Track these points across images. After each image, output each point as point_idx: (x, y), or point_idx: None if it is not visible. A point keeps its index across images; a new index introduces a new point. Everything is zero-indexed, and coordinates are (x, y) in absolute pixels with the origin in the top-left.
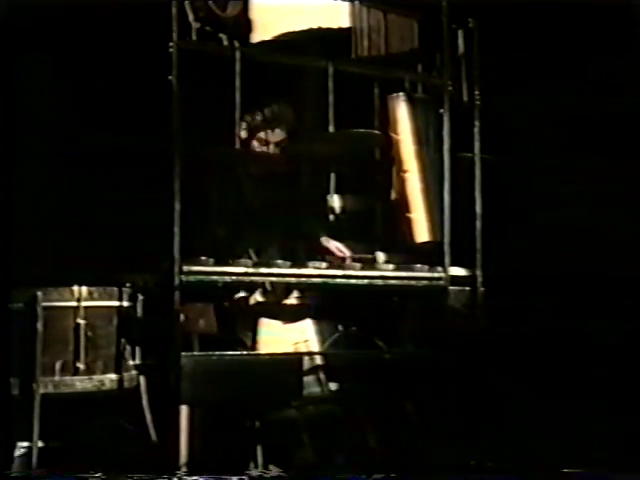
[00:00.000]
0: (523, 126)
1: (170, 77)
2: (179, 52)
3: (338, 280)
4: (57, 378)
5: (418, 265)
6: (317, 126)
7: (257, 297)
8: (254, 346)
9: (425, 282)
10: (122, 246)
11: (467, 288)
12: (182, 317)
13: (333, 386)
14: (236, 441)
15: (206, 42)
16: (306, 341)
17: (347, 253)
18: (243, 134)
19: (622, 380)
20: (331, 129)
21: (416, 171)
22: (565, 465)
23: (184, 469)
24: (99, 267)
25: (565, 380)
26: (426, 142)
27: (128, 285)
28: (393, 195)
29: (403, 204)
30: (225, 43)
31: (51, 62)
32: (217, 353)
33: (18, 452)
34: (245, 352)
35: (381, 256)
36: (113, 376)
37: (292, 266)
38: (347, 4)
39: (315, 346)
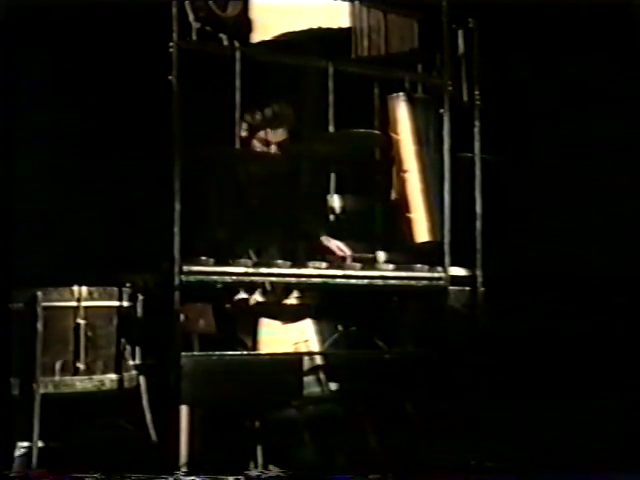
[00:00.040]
0: (523, 126)
1: (170, 77)
2: (179, 52)
3: (338, 280)
4: (57, 378)
5: (418, 265)
6: (317, 126)
7: (257, 297)
8: (254, 346)
9: (425, 282)
10: (122, 246)
11: (467, 288)
12: (182, 317)
13: (333, 386)
14: (236, 441)
15: (206, 42)
16: (306, 341)
17: (348, 252)
18: (244, 134)
19: (622, 380)
20: (331, 129)
21: (416, 171)
22: (565, 465)
23: (184, 469)
24: (99, 267)
25: (565, 380)
26: (426, 142)
27: (128, 285)
28: (393, 195)
29: (403, 204)
30: (225, 43)
31: (51, 62)
32: (217, 353)
33: (18, 452)
34: (245, 352)
35: (382, 255)
36: (113, 376)
37: (292, 266)
38: (347, 4)
39: (315, 346)
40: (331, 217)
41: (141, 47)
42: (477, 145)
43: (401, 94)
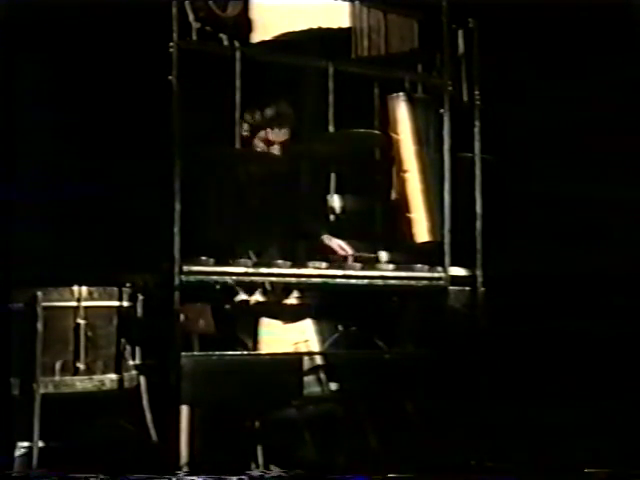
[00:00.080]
0: (523, 126)
1: (170, 77)
2: (179, 52)
3: (338, 280)
4: (57, 378)
5: (418, 265)
6: (317, 126)
7: (257, 297)
8: (254, 346)
9: (425, 282)
10: (122, 246)
11: (467, 288)
12: (182, 317)
13: (333, 386)
14: (236, 441)
15: (206, 42)
16: (306, 341)
17: (350, 251)
18: (245, 134)
19: (622, 380)
20: (331, 129)
21: (416, 171)
22: (565, 465)
23: (184, 469)
24: (99, 267)
25: (565, 380)
26: (426, 142)
27: (128, 285)
28: (393, 195)
29: (403, 204)
30: (225, 43)
31: (51, 62)
32: (217, 353)
33: (18, 452)
34: (245, 352)
35: (384, 255)
36: (113, 376)
37: (292, 266)
38: (347, 4)
39: (315, 346)
40: (331, 217)
41: (141, 47)
42: (477, 145)
43: (401, 94)
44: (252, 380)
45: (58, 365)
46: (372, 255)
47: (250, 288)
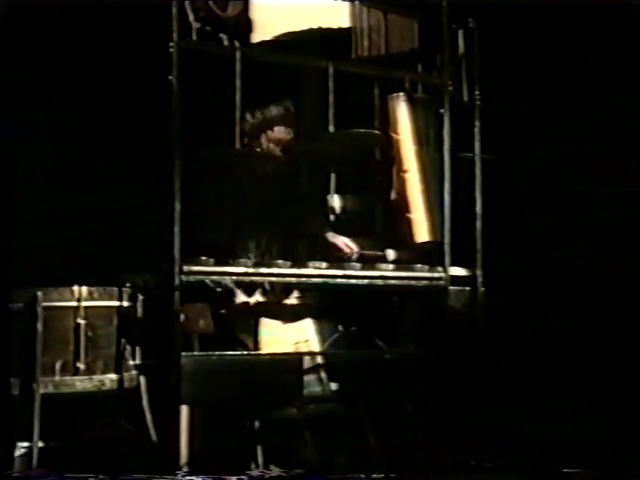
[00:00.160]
0: (523, 126)
1: (170, 77)
2: (179, 52)
3: (338, 280)
4: (57, 378)
5: (418, 265)
6: (317, 126)
7: (257, 297)
8: (254, 346)
9: (425, 282)
10: (122, 246)
11: (467, 288)
12: (182, 317)
13: (333, 386)
14: (236, 441)
15: (206, 42)
16: (306, 341)
17: (355, 248)
18: (246, 133)
19: (622, 380)
20: (331, 129)
21: (416, 171)
22: (565, 465)
23: (184, 469)
24: (99, 267)
25: (565, 380)
26: (426, 142)
27: (128, 285)
28: (393, 195)
29: (403, 204)
30: (225, 43)
31: (51, 62)
32: (217, 353)
33: (18, 452)
34: (245, 352)
35: (391, 253)
36: (113, 376)
37: (292, 266)
38: (347, 4)
39: (315, 346)
40: (331, 217)
41: (141, 47)
42: (477, 145)
43: (401, 94)
44: (252, 380)
45: (58, 365)
46: (379, 253)
47: (250, 288)
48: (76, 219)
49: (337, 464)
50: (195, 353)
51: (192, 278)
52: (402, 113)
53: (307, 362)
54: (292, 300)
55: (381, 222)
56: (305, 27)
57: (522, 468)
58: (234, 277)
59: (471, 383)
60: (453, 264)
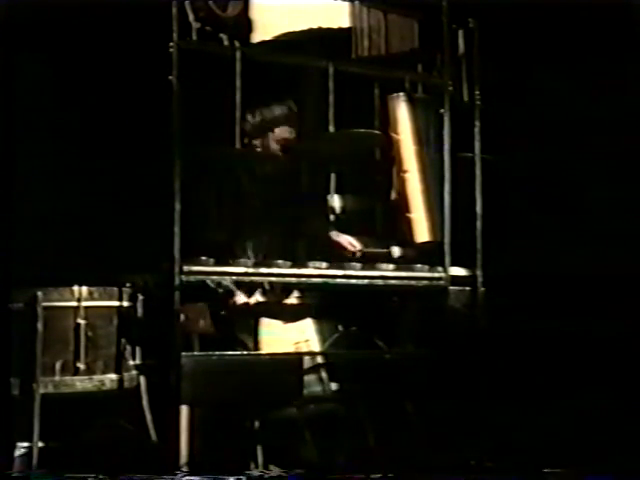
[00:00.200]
0: (523, 126)
1: (170, 77)
2: (179, 52)
3: (338, 280)
4: (57, 378)
5: (418, 265)
6: (317, 126)
7: (257, 297)
8: (255, 346)
9: (425, 282)
10: (122, 246)
11: (467, 288)
12: (182, 317)
13: (333, 386)
14: (236, 441)
15: (206, 42)
16: (306, 341)
17: (359, 247)
18: (246, 133)
19: (622, 380)
20: (331, 129)
21: (416, 171)
22: (565, 465)
23: (184, 469)
24: (99, 267)
25: (565, 380)
26: (426, 142)
27: (128, 285)
28: (393, 195)
29: (403, 204)
30: (225, 43)
31: (51, 62)
32: (217, 353)
33: (18, 452)
34: (245, 352)
35: (396, 250)
36: (113, 376)
37: (292, 266)
38: (347, 4)
39: (315, 346)
40: (331, 217)
41: (141, 47)
42: (477, 145)
43: (401, 94)
44: (252, 380)
45: (58, 365)
46: (384, 250)
47: (250, 288)
48: (76, 219)
49: (337, 464)
50: (195, 353)
51: (192, 278)
52: (402, 113)
53: (307, 362)
54: (292, 300)
55: (381, 222)
56: (305, 27)
57: (522, 468)
58: (234, 277)
59: (471, 383)
60: (453, 264)
